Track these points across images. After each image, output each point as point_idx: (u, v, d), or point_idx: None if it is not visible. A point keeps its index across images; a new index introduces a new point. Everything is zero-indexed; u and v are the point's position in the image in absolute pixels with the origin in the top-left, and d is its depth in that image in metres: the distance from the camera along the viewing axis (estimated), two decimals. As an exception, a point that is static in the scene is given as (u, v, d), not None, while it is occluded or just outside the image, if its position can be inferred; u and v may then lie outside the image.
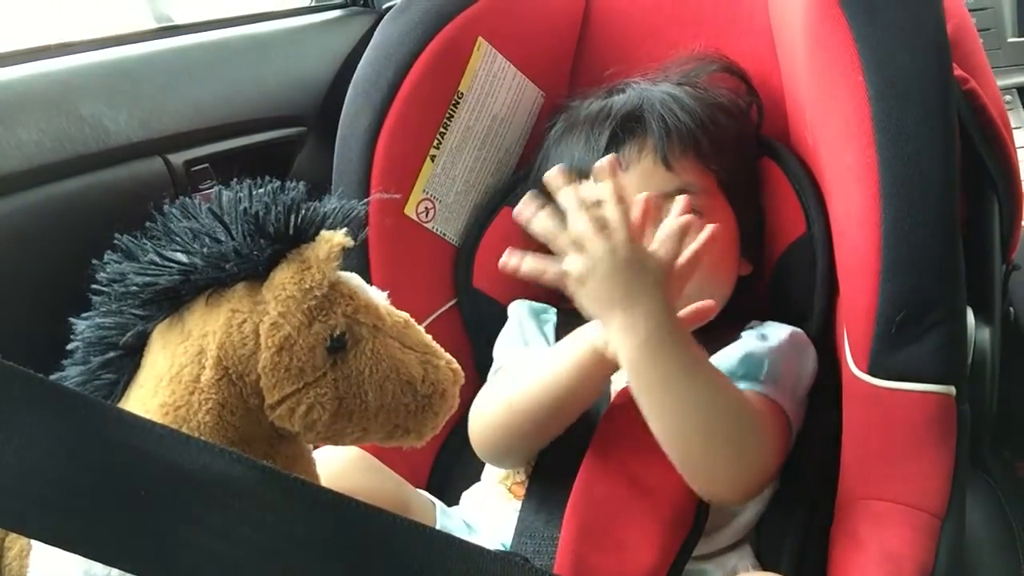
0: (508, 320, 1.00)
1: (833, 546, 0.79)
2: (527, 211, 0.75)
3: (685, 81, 0.98)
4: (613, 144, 0.91)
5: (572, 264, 0.72)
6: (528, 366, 0.86)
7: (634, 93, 0.96)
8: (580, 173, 0.93)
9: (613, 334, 0.74)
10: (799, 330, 0.89)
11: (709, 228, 0.79)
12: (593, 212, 0.72)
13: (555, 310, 1.00)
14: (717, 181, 0.92)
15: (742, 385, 0.83)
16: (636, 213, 0.74)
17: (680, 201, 0.78)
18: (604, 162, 0.74)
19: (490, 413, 0.86)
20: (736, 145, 0.94)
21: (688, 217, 0.76)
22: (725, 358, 0.85)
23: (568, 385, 0.81)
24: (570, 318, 0.97)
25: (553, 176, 0.75)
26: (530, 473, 0.88)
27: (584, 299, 0.74)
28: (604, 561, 0.79)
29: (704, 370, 0.76)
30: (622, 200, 0.73)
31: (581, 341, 0.81)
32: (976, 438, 0.81)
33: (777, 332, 0.88)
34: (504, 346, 0.98)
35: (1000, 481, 0.99)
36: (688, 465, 0.76)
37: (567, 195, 0.73)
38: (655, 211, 0.88)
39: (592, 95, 0.99)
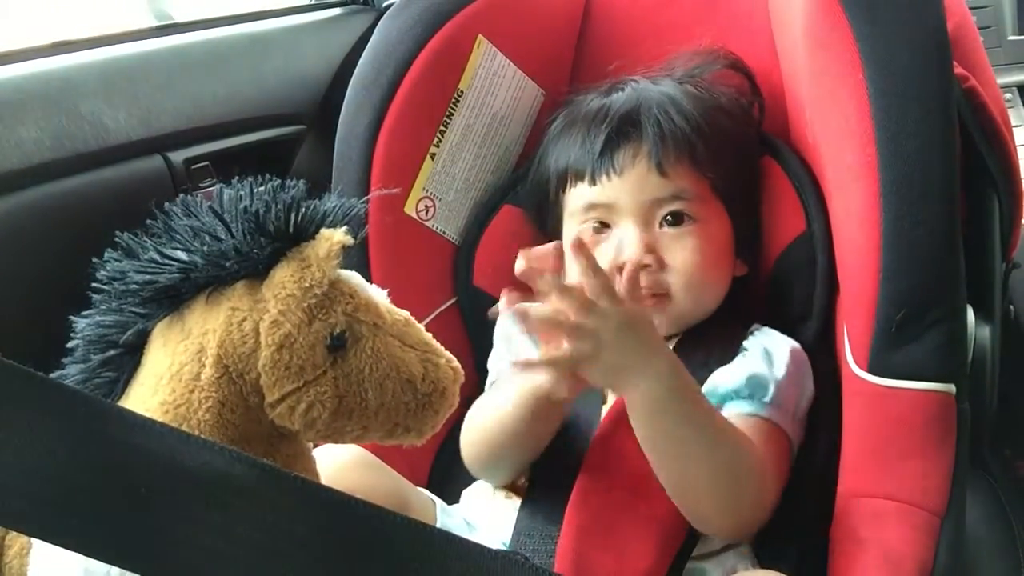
0: (496, 331, 1.00)
1: (833, 545, 0.79)
2: (517, 312, 0.73)
3: (688, 79, 0.98)
4: (608, 147, 0.91)
5: (576, 348, 0.72)
6: (495, 395, 0.88)
7: (632, 93, 0.95)
8: (576, 175, 0.93)
9: (628, 397, 0.75)
10: (798, 345, 0.89)
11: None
12: (573, 294, 0.72)
13: None
14: (712, 186, 0.91)
15: (746, 406, 0.84)
16: (622, 278, 0.76)
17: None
18: (570, 248, 0.74)
19: (469, 436, 0.89)
20: (734, 148, 0.94)
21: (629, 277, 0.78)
22: (730, 376, 0.86)
23: (521, 424, 0.83)
24: None
25: (522, 268, 0.73)
26: (529, 473, 0.88)
27: (596, 377, 0.74)
28: (604, 560, 0.79)
29: (712, 423, 0.77)
30: (597, 271, 0.73)
31: (525, 387, 0.81)
32: (976, 436, 0.81)
33: (780, 350, 0.88)
34: (492, 359, 0.99)
35: (1000, 480, 0.99)
36: (691, 511, 0.78)
37: (544, 283, 0.73)
38: (647, 220, 0.89)
39: (594, 91, 0.99)
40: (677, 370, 0.75)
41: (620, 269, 0.90)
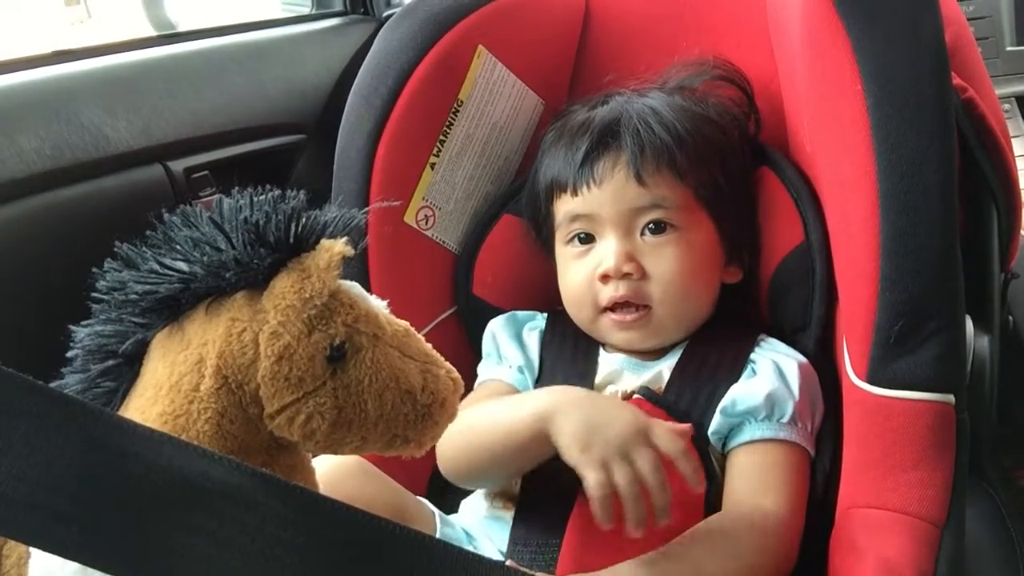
0: (484, 339, 1.00)
1: (832, 555, 0.79)
2: None
3: (679, 90, 0.98)
4: (588, 159, 0.92)
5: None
6: (484, 412, 0.87)
7: (616, 105, 0.96)
8: (560, 187, 0.94)
9: None
10: (805, 360, 0.90)
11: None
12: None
13: (545, 315, 1.00)
14: (695, 195, 0.92)
15: (767, 430, 0.85)
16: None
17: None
18: None
19: (450, 449, 0.88)
20: (720, 157, 0.94)
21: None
22: (748, 395, 0.86)
23: (515, 455, 0.83)
24: (559, 320, 0.97)
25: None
26: (522, 481, 0.88)
27: None
28: (607, 566, 0.79)
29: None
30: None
31: (527, 412, 0.81)
32: (976, 447, 0.81)
33: (791, 366, 0.88)
34: (483, 365, 0.99)
35: (1000, 490, 0.98)
36: None
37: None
38: (628, 230, 0.90)
39: (585, 103, 1.00)
40: None
41: (602, 279, 0.90)
